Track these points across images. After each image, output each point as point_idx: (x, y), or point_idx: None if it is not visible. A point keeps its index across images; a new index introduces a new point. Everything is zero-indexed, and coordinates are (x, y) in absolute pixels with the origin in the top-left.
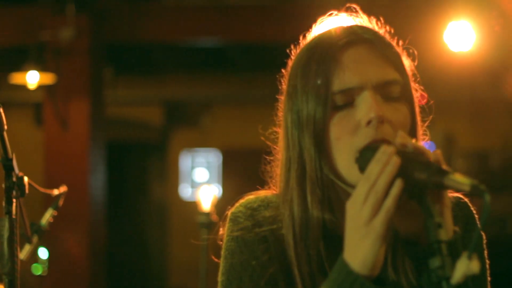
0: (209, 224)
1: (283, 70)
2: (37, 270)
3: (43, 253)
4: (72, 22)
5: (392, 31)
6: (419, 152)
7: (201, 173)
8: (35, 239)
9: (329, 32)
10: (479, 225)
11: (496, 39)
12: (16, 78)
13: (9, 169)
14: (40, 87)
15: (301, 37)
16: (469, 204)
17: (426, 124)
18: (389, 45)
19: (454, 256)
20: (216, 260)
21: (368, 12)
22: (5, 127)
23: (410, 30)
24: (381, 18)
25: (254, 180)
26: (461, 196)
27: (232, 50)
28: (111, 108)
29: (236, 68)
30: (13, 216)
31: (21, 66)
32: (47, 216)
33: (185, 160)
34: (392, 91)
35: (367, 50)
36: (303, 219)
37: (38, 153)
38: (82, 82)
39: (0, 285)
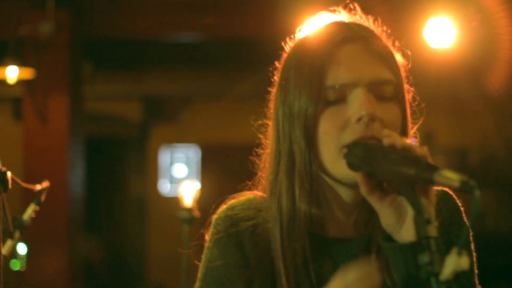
0: (191, 220)
1: (276, 63)
2: (16, 265)
3: (22, 248)
4: (52, 17)
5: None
6: (407, 149)
7: (180, 169)
8: (17, 234)
9: (325, 27)
10: (465, 219)
11: (476, 36)
12: None
13: None
14: (19, 82)
15: (296, 30)
16: (455, 197)
17: (416, 126)
18: (385, 45)
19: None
20: (196, 262)
21: (346, 9)
22: None
23: (389, 26)
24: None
25: (232, 175)
26: (446, 190)
27: (211, 46)
28: (90, 103)
29: (215, 64)
30: None
31: (0, 61)
32: (29, 211)
33: (164, 156)
34: (385, 91)
35: (363, 47)
36: (291, 213)
37: (17, 148)
38: (61, 77)
39: None
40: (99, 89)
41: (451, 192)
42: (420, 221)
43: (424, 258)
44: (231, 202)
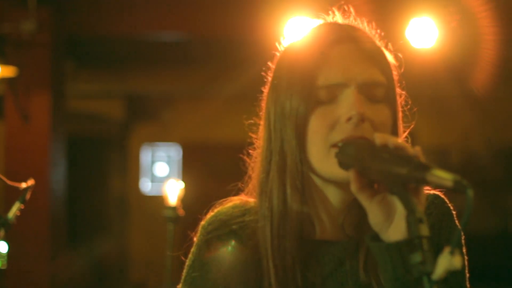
0: (175, 218)
1: (269, 63)
2: None
3: (2, 246)
4: (34, 15)
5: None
6: (400, 148)
7: (161, 168)
8: (1, 233)
9: (318, 27)
10: (456, 222)
11: (458, 36)
12: None
13: None
14: (1, 80)
15: (289, 31)
16: (446, 201)
17: (408, 130)
18: (378, 47)
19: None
20: (183, 258)
21: (330, 9)
22: None
23: (371, 26)
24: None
25: (213, 174)
26: (437, 193)
27: (194, 45)
28: (72, 102)
29: (197, 63)
30: None
31: None
32: (14, 210)
33: (145, 155)
34: (376, 93)
35: (356, 49)
36: (282, 212)
37: None
38: (43, 75)
39: None
40: (81, 87)
41: (442, 196)
42: (412, 220)
43: (416, 258)
44: (218, 209)
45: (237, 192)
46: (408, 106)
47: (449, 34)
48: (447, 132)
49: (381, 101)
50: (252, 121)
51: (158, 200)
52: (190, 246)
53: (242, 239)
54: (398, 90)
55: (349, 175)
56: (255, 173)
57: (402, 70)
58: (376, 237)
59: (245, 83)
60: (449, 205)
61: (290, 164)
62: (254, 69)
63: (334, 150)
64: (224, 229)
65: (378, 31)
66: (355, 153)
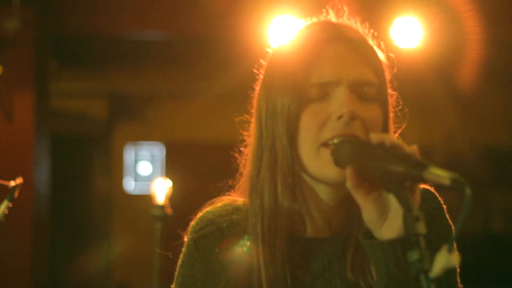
0: (163, 217)
1: (261, 60)
2: None
3: None
4: (18, 13)
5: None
6: (396, 146)
7: (144, 167)
8: None
9: (311, 26)
10: (447, 217)
11: (443, 36)
12: None
13: None
14: None
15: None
16: (436, 195)
17: (399, 131)
18: (371, 48)
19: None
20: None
21: (314, 8)
22: None
23: (363, 25)
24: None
25: (197, 173)
26: (427, 188)
27: (177, 44)
28: (55, 101)
29: (180, 62)
30: None
31: None
32: (2, 208)
33: (129, 154)
34: (368, 93)
35: (348, 48)
36: (273, 209)
37: None
38: (27, 74)
39: None
40: (64, 86)
41: (432, 191)
42: (409, 218)
43: (413, 255)
44: (207, 209)
45: (224, 191)
46: (399, 107)
47: (433, 34)
48: (429, 132)
49: (373, 100)
50: (237, 120)
51: (142, 199)
52: (178, 245)
53: (231, 238)
54: (389, 90)
55: (339, 174)
56: (246, 170)
57: (395, 69)
58: (368, 235)
59: (229, 82)
60: (440, 199)
61: (281, 162)
62: (238, 68)
63: (324, 149)
64: (213, 227)
65: (371, 30)
66: (351, 151)
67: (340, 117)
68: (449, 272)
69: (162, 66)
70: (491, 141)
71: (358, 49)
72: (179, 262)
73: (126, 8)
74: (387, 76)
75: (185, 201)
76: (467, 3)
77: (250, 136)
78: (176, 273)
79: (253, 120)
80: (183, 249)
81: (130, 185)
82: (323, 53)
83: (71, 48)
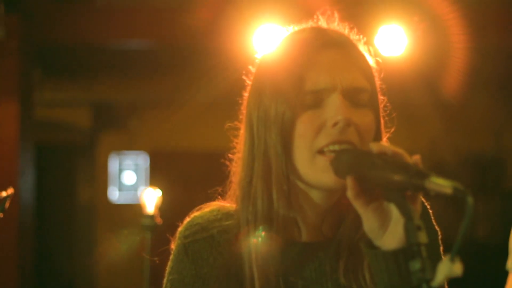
0: (153, 227)
1: (249, 66)
2: None
3: None
4: (2, 22)
5: None
6: (398, 156)
7: (129, 176)
8: None
9: (303, 32)
10: (433, 222)
11: (427, 44)
12: None
13: None
14: None
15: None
16: (423, 201)
17: (387, 135)
18: (361, 53)
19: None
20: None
21: (299, 17)
22: None
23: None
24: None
25: (181, 182)
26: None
27: (160, 53)
28: (39, 110)
29: (164, 71)
30: None
31: None
32: None
33: (113, 163)
34: (360, 98)
35: (340, 54)
36: (267, 217)
37: None
38: (11, 83)
39: None
40: (47, 95)
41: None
42: (411, 228)
43: (415, 265)
44: (195, 214)
45: (211, 199)
46: (387, 111)
47: (418, 42)
48: (415, 140)
49: (365, 105)
50: (223, 127)
51: (126, 208)
52: (165, 252)
53: (221, 243)
54: (380, 95)
55: (335, 181)
56: (236, 178)
57: (382, 75)
58: (369, 243)
59: (213, 91)
60: (426, 205)
61: (275, 169)
62: (222, 77)
63: (320, 156)
64: (202, 233)
65: (360, 36)
66: (351, 160)
67: (335, 124)
68: None
69: (146, 75)
70: (476, 148)
71: (350, 55)
72: (168, 269)
73: (110, 18)
74: (377, 81)
75: (169, 209)
76: (452, 11)
77: (239, 144)
78: (165, 280)
79: (243, 127)
80: (172, 256)
81: (114, 195)
82: (316, 59)
83: (55, 58)
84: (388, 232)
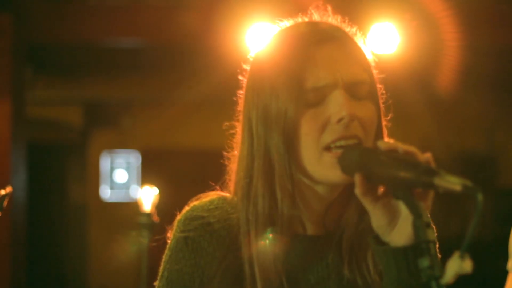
0: (150, 225)
1: (242, 64)
2: None
3: None
4: None
5: None
6: (409, 153)
7: (120, 175)
8: None
9: (298, 27)
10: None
11: (420, 41)
12: None
13: None
14: None
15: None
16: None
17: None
18: (357, 45)
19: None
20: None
21: (291, 15)
22: None
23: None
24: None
25: (173, 180)
26: None
27: (152, 51)
28: (30, 109)
29: (156, 69)
30: None
31: None
32: None
33: (105, 161)
34: (361, 91)
35: (337, 48)
36: (270, 216)
37: None
38: (3, 82)
39: None
40: (39, 94)
41: None
42: (420, 225)
43: (424, 262)
44: (194, 203)
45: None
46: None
47: (410, 39)
48: (407, 137)
49: (366, 98)
50: (211, 127)
51: (118, 207)
52: (157, 247)
53: (221, 234)
54: (378, 87)
55: (343, 177)
56: (234, 177)
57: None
58: (378, 239)
59: (204, 89)
60: None
61: (278, 169)
62: (213, 75)
63: (326, 152)
64: (202, 222)
65: (355, 27)
66: (359, 158)
67: (340, 120)
68: None
69: (138, 74)
70: (468, 146)
71: (346, 48)
72: (165, 258)
73: (102, 16)
74: (375, 71)
75: (161, 207)
76: (444, 9)
77: (236, 142)
78: (162, 268)
79: (240, 126)
80: (169, 245)
81: (106, 193)
82: (313, 55)
83: (47, 56)
84: (397, 229)
